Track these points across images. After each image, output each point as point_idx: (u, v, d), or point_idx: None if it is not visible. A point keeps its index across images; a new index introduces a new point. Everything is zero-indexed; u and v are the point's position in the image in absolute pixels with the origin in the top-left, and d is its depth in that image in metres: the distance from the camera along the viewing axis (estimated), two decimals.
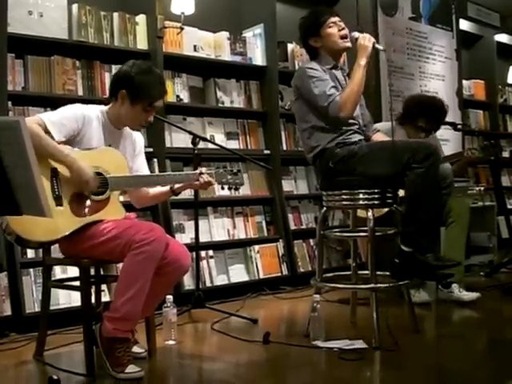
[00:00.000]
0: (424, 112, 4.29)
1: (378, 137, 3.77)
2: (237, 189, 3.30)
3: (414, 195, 3.25)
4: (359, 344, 3.18)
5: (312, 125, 3.46)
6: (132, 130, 3.16)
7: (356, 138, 3.49)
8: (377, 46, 3.44)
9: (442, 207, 3.66)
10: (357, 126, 3.53)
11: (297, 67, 5.57)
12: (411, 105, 4.46)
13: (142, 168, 3.24)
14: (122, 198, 3.11)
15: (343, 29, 3.53)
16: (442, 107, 4.49)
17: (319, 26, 3.53)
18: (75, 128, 2.91)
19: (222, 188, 3.27)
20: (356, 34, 3.47)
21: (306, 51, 3.69)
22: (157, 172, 4.40)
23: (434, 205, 3.32)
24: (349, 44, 3.52)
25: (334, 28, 3.52)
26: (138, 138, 3.26)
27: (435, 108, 4.40)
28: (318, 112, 3.42)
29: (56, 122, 2.85)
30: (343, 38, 3.52)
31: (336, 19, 3.55)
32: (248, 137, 5.32)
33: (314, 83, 3.40)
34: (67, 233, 2.81)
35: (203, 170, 3.17)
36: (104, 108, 3.08)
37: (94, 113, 3.02)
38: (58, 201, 2.80)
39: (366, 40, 3.41)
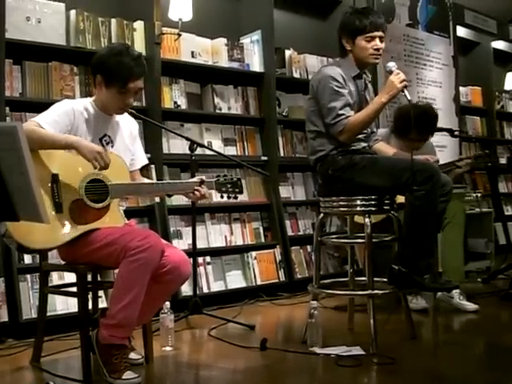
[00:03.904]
0: (414, 125, 4.18)
1: (380, 146, 3.76)
2: (236, 197, 3.29)
3: (414, 218, 3.26)
4: (356, 350, 3.18)
5: (319, 129, 3.45)
6: (115, 114, 3.12)
7: (360, 145, 3.49)
8: (406, 92, 3.26)
9: (441, 214, 3.66)
10: (364, 135, 3.52)
11: (294, 74, 5.59)
12: (400, 119, 4.42)
13: (139, 156, 3.27)
14: (123, 208, 3.13)
15: (379, 49, 3.40)
16: (431, 114, 4.44)
17: (357, 33, 3.39)
18: (67, 123, 2.92)
19: (222, 197, 3.26)
20: (391, 67, 3.32)
21: (338, 45, 3.53)
22: (154, 178, 4.39)
23: (433, 228, 3.33)
24: (377, 61, 3.44)
25: (371, 43, 3.38)
26: (132, 122, 3.28)
27: (424, 118, 4.30)
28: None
29: (50, 121, 2.87)
30: (373, 54, 3.40)
31: (379, 34, 3.39)
32: (245, 143, 5.32)
33: (329, 95, 3.33)
34: (67, 240, 2.81)
35: (204, 178, 3.15)
36: (91, 98, 3.11)
37: (83, 105, 3.04)
38: (58, 207, 2.80)
39: (398, 80, 3.25)
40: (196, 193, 3.09)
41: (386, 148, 3.80)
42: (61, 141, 2.81)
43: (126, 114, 3.20)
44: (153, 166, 4.50)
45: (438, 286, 3.41)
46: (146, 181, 3.36)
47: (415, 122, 4.02)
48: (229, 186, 3.22)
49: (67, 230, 2.81)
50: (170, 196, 3.26)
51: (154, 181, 3.97)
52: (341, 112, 3.30)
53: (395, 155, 3.73)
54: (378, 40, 3.40)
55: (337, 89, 3.34)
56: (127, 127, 3.22)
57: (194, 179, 3.15)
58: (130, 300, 2.74)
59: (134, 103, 3.09)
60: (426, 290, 3.55)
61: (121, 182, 2.94)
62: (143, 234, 2.80)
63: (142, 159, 3.32)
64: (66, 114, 2.94)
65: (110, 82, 2.97)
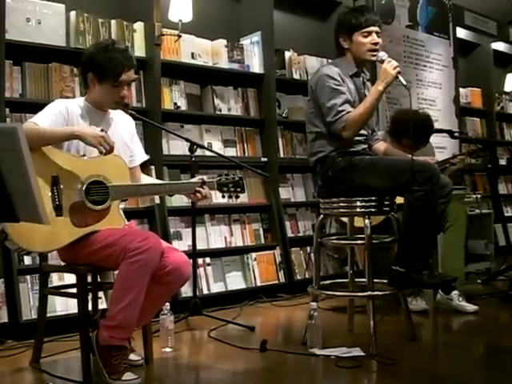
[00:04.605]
0: (407, 132, 4.11)
1: (380, 145, 3.77)
2: (237, 197, 3.29)
3: (413, 218, 3.26)
4: (356, 352, 3.18)
5: (319, 130, 3.45)
6: (112, 109, 3.14)
7: (360, 147, 3.49)
8: (400, 78, 3.28)
9: (441, 215, 3.65)
10: (364, 137, 3.53)
11: (294, 75, 5.59)
12: (395, 123, 4.41)
13: (137, 152, 3.28)
14: (122, 206, 3.12)
15: (376, 43, 3.42)
16: (428, 125, 4.43)
17: (354, 29, 3.41)
18: (62, 121, 2.94)
19: (223, 196, 3.25)
20: (382, 57, 3.36)
21: (335, 45, 3.55)
22: (154, 178, 4.39)
23: (432, 228, 3.33)
24: (374, 58, 3.44)
25: (368, 38, 3.40)
26: (128, 119, 3.29)
27: (421, 128, 4.31)
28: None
29: (48, 121, 2.89)
30: (371, 50, 3.41)
31: (375, 29, 3.41)
32: (245, 144, 5.32)
33: (328, 94, 3.34)
34: (67, 243, 2.81)
35: (205, 178, 3.15)
36: (83, 98, 3.14)
37: (75, 103, 3.07)
38: (58, 211, 2.79)
39: (391, 67, 3.27)
40: (197, 194, 3.09)
41: (381, 145, 3.80)
42: (60, 133, 2.84)
43: (121, 112, 3.21)
44: (153, 167, 4.51)
45: (437, 280, 3.39)
46: (147, 179, 3.36)
47: (413, 131, 4.01)
48: (230, 185, 3.21)
49: (67, 234, 2.80)
50: (171, 195, 3.25)
51: (155, 181, 3.98)
52: (341, 108, 3.30)
53: (386, 150, 3.73)
54: (374, 35, 3.42)
55: (335, 87, 3.35)
56: (123, 124, 3.22)
57: (195, 179, 3.14)
58: (130, 301, 2.74)
59: (130, 101, 3.11)
60: (425, 286, 3.53)
61: (121, 183, 2.94)
62: (143, 236, 2.80)
63: (142, 155, 3.32)
64: (60, 114, 2.95)
65: (102, 77, 2.99)
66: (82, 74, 3.09)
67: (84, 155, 2.95)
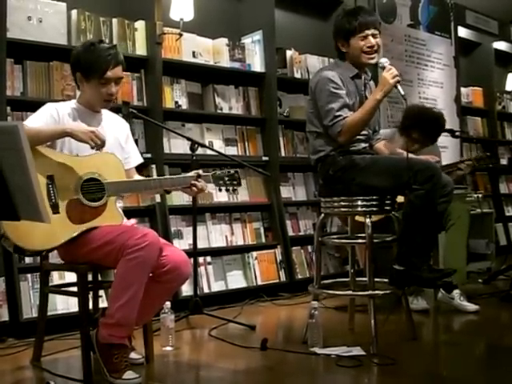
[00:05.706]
0: (418, 125, 4.18)
1: (379, 145, 3.77)
2: (234, 190, 3.29)
3: (412, 217, 3.25)
4: (357, 351, 3.18)
5: (319, 130, 3.45)
6: (102, 108, 3.14)
7: (361, 146, 3.49)
8: (399, 88, 3.26)
9: (442, 215, 3.65)
10: (365, 136, 3.53)
11: (295, 74, 5.59)
12: (408, 116, 4.42)
13: (132, 155, 3.27)
14: (120, 204, 3.12)
15: (373, 46, 3.40)
16: (438, 121, 4.43)
17: (350, 34, 3.40)
18: (54, 124, 2.94)
19: (220, 190, 3.25)
20: (384, 63, 3.33)
21: (335, 48, 3.54)
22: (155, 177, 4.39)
23: (430, 227, 3.33)
24: (372, 61, 3.42)
25: (364, 41, 3.38)
26: (122, 121, 3.30)
27: (430, 122, 4.31)
28: None
29: (39, 123, 2.90)
30: (368, 53, 3.40)
31: (372, 32, 3.39)
32: (246, 143, 5.32)
33: (327, 97, 3.34)
34: (64, 241, 2.81)
35: (201, 172, 3.14)
36: (75, 100, 3.15)
37: (67, 106, 3.07)
38: (55, 208, 2.79)
39: (390, 75, 3.25)
40: (193, 188, 3.08)
41: (383, 146, 3.80)
42: (51, 131, 2.84)
43: (114, 114, 3.21)
44: (154, 165, 4.51)
45: (436, 274, 3.39)
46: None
47: (424, 125, 4.01)
48: (226, 178, 3.20)
49: (64, 231, 2.80)
50: (168, 192, 3.24)
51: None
52: (338, 113, 3.30)
53: (391, 155, 3.73)
54: (370, 38, 3.41)
55: (334, 90, 3.35)
56: (117, 125, 3.22)
57: (191, 173, 3.12)
58: (129, 298, 2.73)
59: (130, 99, 3.09)
60: (424, 282, 3.51)
61: (117, 179, 2.94)
62: (141, 233, 2.79)
63: (137, 157, 3.31)
64: (51, 116, 2.97)
65: (88, 75, 2.99)
66: (73, 75, 3.10)
67: (77, 155, 2.95)
